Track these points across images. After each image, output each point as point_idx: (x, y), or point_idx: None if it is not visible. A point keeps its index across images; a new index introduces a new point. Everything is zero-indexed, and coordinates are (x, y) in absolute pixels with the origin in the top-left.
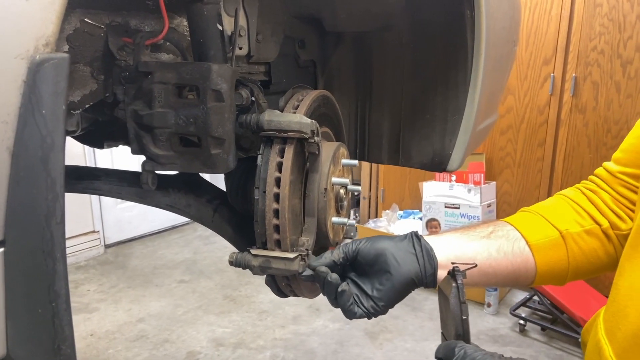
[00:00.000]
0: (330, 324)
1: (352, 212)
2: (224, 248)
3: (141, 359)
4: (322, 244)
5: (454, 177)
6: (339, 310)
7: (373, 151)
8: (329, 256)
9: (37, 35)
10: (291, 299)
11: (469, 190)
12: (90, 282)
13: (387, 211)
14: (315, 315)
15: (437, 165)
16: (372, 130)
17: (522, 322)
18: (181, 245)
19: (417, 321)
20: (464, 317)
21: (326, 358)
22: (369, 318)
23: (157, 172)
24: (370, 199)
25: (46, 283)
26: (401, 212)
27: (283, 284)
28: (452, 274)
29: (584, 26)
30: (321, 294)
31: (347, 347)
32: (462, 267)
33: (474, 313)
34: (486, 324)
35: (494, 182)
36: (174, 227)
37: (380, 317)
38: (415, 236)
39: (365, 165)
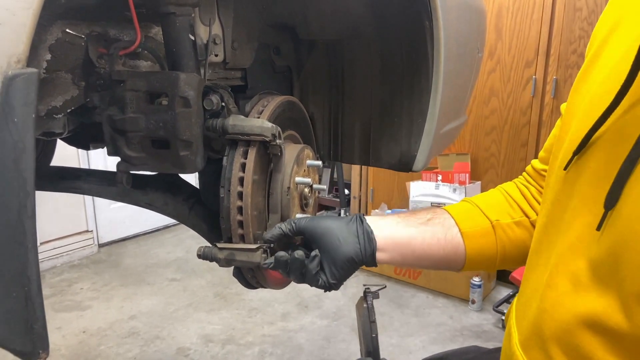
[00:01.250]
0: (318, 320)
1: (342, 211)
2: None
3: (132, 355)
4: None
5: (439, 177)
6: (327, 307)
7: (345, 152)
8: (279, 228)
9: (9, 54)
10: (279, 296)
11: (454, 190)
12: (83, 281)
13: (376, 210)
14: (304, 313)
15: (404, 165)
16: (344, 132)
17: (504, 318)
18: (173, 245)
19: (403, 317)
20: (374, 335)
21: (313, 353)
22: (325, 291)
23: (132, 172)
24: (360, 198)
25: (19, 269)
26: (389, 211)
27: (249, 276)
28: (364, 294)
29: (564, 30)
30: (287, 286)
31: (334, 343)
32: (373, 289)
33: (459, 309)
34: (470, 320)
35: (479, 182)
36: (166, 227)
37: None
38: (359, 218)
39: (356, 166)
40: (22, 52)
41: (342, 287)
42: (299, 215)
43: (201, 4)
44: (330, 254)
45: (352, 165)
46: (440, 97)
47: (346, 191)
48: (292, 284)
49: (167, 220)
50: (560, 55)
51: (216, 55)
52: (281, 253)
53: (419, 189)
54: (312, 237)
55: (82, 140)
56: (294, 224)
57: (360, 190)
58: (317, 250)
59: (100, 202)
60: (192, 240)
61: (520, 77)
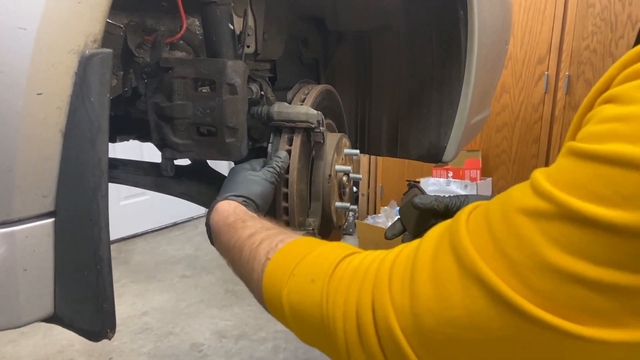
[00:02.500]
0: None
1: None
2: None
3: (146, 350)
4: (326, 226)
5: (450, 174)
6: None
7: (372, 144)
8: (434, 199)
9: (86, 33)
10: None
11: (466, 186)
12: None
13: (386, 207)
14: None
15: (433, 156)
16: (371, 124)
17: None
18: (183, 242)
19: None
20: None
21: None
22: None
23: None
24: (368, 195)
25: (92, 248)
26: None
27: None
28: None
29: (576, 26)
30: None
31: None
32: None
33: None
34: None
35: (490, 178)
36: (175, 224)
37: None
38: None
39: (364, 162)
40: (99, 31)
41: None
42: (337, 204)
43: None
44: None
45: (360, 162)
46: (472, 88)
47: (354, 188)
48: None
49: (176, 217)
50: (573, 52)
51: (248, 47)
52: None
53: (430, 186)
54: None
55: (110, 132)
56: (440, 199)
57: (369, 187)
58: None
59: (110, 199)
60: (200, 237)
61: (532, 74)
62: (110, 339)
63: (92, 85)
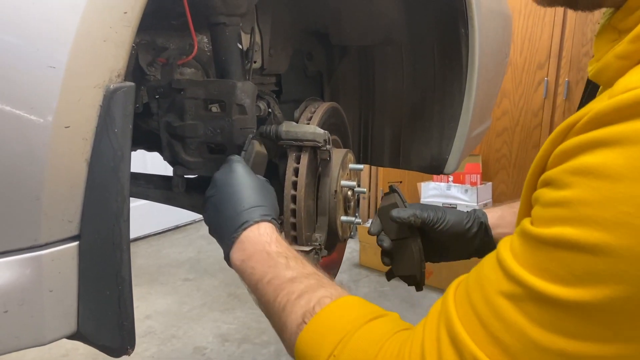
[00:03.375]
0: None
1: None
2: None
3: (150, 353)
4: (332, 240)
5: (451, 178)
6: None
7: (375, 155)
8: (409, 212)
9: (111, 69)
10: None
11: (466, 191)
12: None
13: None
14: None
15: (435, 168)
16: (374, 135)
17: None
18: (185, 245)
19: (414, 317)
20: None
21: None
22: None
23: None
24: (369, 199)
25: (114, 270)
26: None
27: None
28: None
29: (576, 32)
30: None
31: None
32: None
33: None
34: None
35: (490, 183)
36: (177, 227)
37: None
38: (475, 212)
39: (365, 167)
40: (122, 67)
41: (353, 287)
42: (343, 218)
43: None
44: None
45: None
46: (473, 101)
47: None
48: None
49: (178, 220)
50: (572, 58)
51: (255, 62)
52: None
53: (430, 190)
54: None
55: None
56: (417, 214)
57: (370, 190)
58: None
59: None
60: (203, 240)
61: (532, 79)
62: (129, 355)
63: (115, 117)
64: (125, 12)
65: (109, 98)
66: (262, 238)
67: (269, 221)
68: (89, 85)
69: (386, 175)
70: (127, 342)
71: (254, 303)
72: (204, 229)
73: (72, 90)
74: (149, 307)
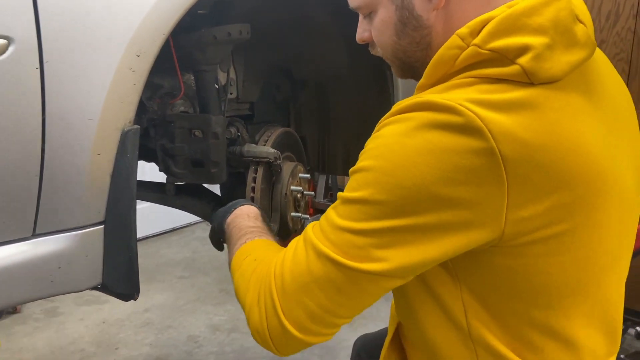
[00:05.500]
0: None
1: None
2: None
3: (149, 341)
4: (285, 231)
5: None
6: None
7: (331, 165)
8: None
9: (125, 118)
10: None
11: None
12: None
13: None
14: None
15: None
16: (330, 150)
17: None
18: (181, 246)
19: (389, 310)
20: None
21: None
22: None
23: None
24: None
25: (126, 242)
26: None
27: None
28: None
29: None
30: None
31: None
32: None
33: None
34: None
35: None
36: (173, 229)
37: None
38: None
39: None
40: (132, 116)
41: None
42: (293, 214)
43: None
44: None
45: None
46: None
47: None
48: None
49: (173, 223)
50: None
51: (231, 94)
52: None
53: None
54: None
55: None
56: None
57: None
58: None
59: None
60: (197, 242)
61: None
62: (135, 300)
63: (127, 147)
64: (135, 84)
65: (124, 136)
66: (248, 210)
67: (250, 204)
68: (113, 128)
69: None
70: (134, 290)
71: None
72: (199, 231)
73: (102, 132)
74: (148, 301)
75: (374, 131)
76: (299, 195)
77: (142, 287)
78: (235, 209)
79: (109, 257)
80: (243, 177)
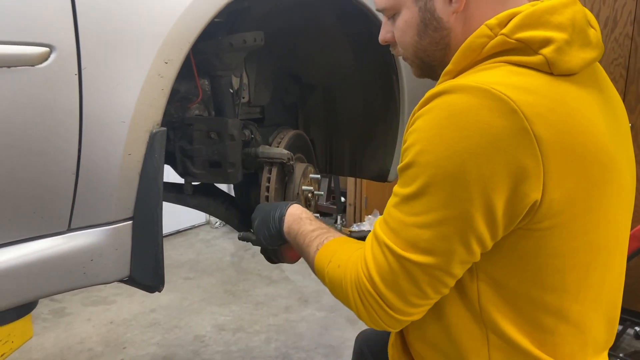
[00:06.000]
0: (317, 312)
1: (339, 217)
2: (224, 250)
3: (155, 341)
4: None
5: None
6: (325, 301)
7: (337, 167)
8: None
9: (154, 121)
10: (283, 292)
11: None
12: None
13: (370, 216)
14: (304, 306)
15: (382, 177)
16: (336, 152)
17: None
18: (185, 248)
19: None
20: None
21: (313, 339)
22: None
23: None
24: (355, 205)
25: (153, 237)
26: None
27: (271, 254)
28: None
29: None
30: (299, 261)
31: (330, 331)
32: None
33: None
34: None
35: None
36: (178, 232)
37: None
38: None
39: (351, 178)
40: (160, 119)
41: None
42: None
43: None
44: None
45: (348, 177)
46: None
47: (342, 199)
48: (294, 281)
49: (178, 225)
50: None
51: (243, 98)
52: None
53: None
54: None
55: None
56: None
57: (355, 198)
58: None
59: None
60: (201, 244)
61: None
62: (160, 292)
63: (155, 148)
64: (162, 89)
65: (153, 137)
66: (297, 211)
67: (295, 204)
68: (142, 130)
69: (370, 183)
70: (159, 282)
71: (247, 298)
72: (202, 233)
73: (133, 134)
74: (154, 302)
75: (409, 124)
76: (310, 195)
77: None
78: (284, 215)
79: (136, 251)
80: (255, 178)
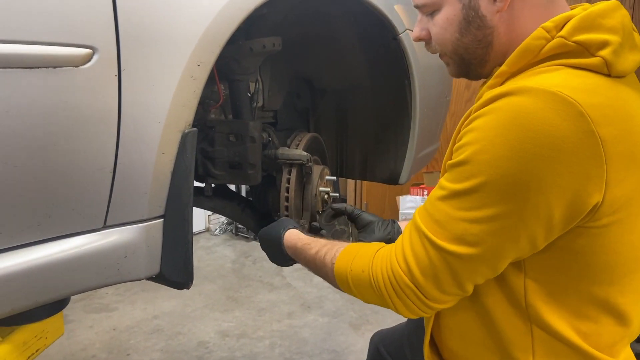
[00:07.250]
0: (320, 318)
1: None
2: (224, 257)
3: (159, 347)
4: (313, 228)
5: (425, 192)
6: (327, 307)
7: (348, 170)
8: (344, 205)
9: (185, 121)
10: (285, 298)
11: None
12: (108, 287)
13: None
14: (307, 312)
15: (393, 180)
16: (347, 155)
17: None
18: None
19: (394, 315)
20: None
21: (316, 345)
22: None
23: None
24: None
25: (184, 235)
26: None
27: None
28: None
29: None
30: (300, 268)
31: (334, 336)
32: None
33: None
34: None
35: None
36: None
37: (363, 312)
38: (393, 221)
39: (351, 183)
40: (191, 120)
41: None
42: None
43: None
44: (370, 235)
45: (348, 183)
46: (417, 132)
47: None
48: (295, 287)
49: None
50: None
51: (258, 102)
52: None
53: (408, 203)
54: (361, 222)
55: None
56: (354, 209)
57: (355, 203)
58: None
59: None
60: (202, 251)
61: None
62: (189, 288)
63: (187, 147)
64: (194, 91)
65: (184, 137)
66: (292, 240)
67: (288, 229)
68: (175, 130)
69: (370, 190)
70: (189, 279)
71: (250, 305)
72: (203, 240)
73: (166, 134)
74: (157, 308)
75: (465, 123)
76: (326, 197)
77: (151, 295)
78: (284, 249)
79: (167, 248)
80: (273, 180)
